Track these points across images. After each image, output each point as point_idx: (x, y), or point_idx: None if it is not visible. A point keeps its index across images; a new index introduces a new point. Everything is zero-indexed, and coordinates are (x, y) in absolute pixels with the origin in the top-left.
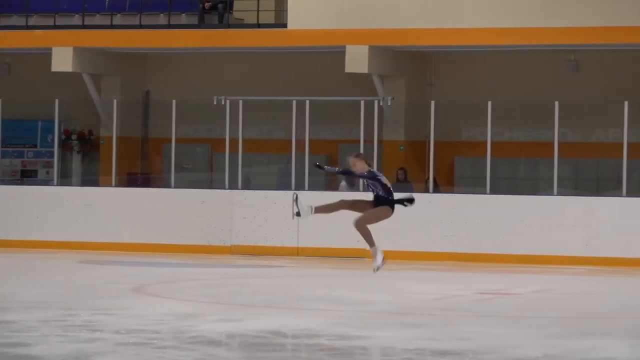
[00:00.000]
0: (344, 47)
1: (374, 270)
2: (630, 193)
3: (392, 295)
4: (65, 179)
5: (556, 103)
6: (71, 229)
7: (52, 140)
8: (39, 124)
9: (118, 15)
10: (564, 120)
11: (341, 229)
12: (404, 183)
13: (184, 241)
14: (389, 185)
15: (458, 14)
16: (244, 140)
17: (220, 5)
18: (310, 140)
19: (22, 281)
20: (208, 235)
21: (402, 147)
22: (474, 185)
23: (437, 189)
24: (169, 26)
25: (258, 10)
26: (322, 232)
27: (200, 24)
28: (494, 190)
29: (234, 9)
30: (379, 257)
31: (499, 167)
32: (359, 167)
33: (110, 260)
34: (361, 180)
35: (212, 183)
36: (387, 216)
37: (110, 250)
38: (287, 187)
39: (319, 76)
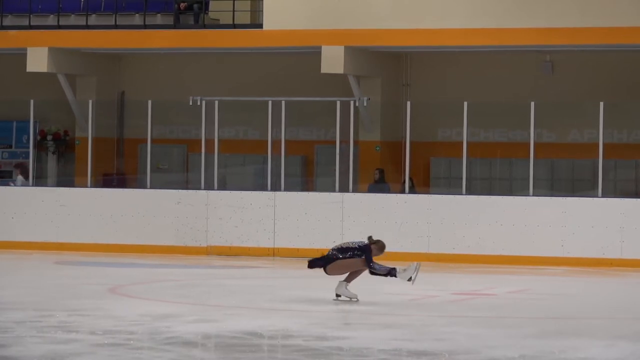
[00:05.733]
0: (320, 47)
1: (336, 293)
2: (606, 193)
3: (368, 296)
4: (40, 180)
5: (532, 104)
6: (46, 229)
7: (27, 140)
8: (14, 124)
9: (93, 15)
10: (539, 121)
11: (317, 230)
12: (380, 184)
13: (159, 242)
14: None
15: (434, 15)
16: (219, 141)
17: (195, 6)
18: (286, 141)
19: None
20: (184, 236)
21: (378, 148)
22: (450, 186)
23: (412, 190)
24: (145, 26)
25: (234, 11)
26: (298, 233)
27: (176, 25)
28: (470, 191)
29: (210, 9)
30: (349, 292)
31: (475, 167)
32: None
33: (85, 261)
34: None
35: (187, 184)
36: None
37: (86, 251)
38: (263, 187)
39: (294, 77)
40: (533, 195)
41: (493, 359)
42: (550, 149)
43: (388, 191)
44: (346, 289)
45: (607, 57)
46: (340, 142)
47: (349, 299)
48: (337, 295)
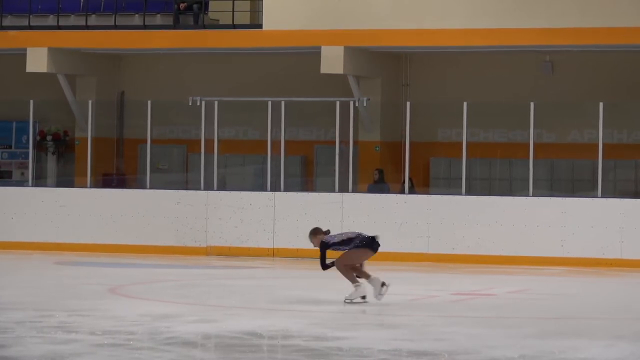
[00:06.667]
0: (320, 47)
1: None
2: (606, 194)
3: (367, 296)
4: (40, 180)
5: (531, 104)
6: (46, 230)
7: (27, 141)
8: (14, 124)
9: (93, 15)
10: (539, 121)
11: None
12: (380, 184)
13: (159, 242)
14: (344, 237)
15: (433, 15)
16: (219, 141)
17: (195, 6)
18: (285, 141)
19: None
20: (183, 236)
21: (378, 148)
22: (450, 186)
23: (412, 190)
24: (144, 27)
25: (233, 11)
26: (298, 233)
27: (176, 25)
28: (470, 191)
29: (210, 9)
30: (357, 293)
31: (475, 167)
32: (316, 243)
33: (85, 261)
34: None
35: (187, 184)
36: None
37: (86, 251)
38: (262, 188)
39: (294, 77)
40: (533, 196)
41: (493, 359)
42: (550, 149)
43: (387, 191)
44: (356, 291)
45: (607, 57)
46: (340, 142)
47: (362, 299)
48: (349, 300)
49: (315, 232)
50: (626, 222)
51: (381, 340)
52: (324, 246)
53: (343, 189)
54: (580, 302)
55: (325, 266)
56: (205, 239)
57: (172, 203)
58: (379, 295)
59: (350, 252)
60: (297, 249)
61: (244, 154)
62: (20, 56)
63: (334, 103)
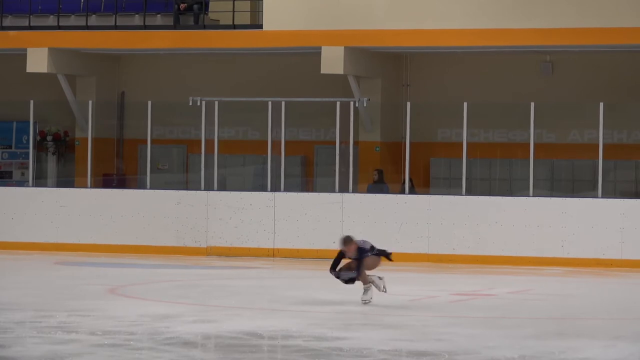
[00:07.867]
0: (320, 48)
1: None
2: (606, 194)
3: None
4: (40, 180)
5: (532, 104)
6: (46, 230)
7: (27, 141)
8: (14, 125)
9: (93, 16)
10: (539, 122)
11: (316, 230)
12: (379, 184)
13: (159, 242)
14: (372, 244)
15: (434, 15)
16: (219, 141)
17: (195, 6)
18: (286, 141)
19: None
20: (184, 237)
21: (378, 148)
22: (450, 186)
23: (412, 190)
24: (144, 27)
25: (233, 11)
26: (298, 233)
27: (176, 25)
28: (470, 191)
29: (210, 10)
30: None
31: (475, 168)
32: (352, 251)
33: (85, 261)
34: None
35: (187, 184)
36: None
37: (86, 251)
38: (262, 188)
39: (294, 77)
40: (533, 196)
41: (493, 359)
42: (550, 149)
43: (387, 192)
44: (368, 291)
45: (607, 58)
46: (340, 142)
47: (371, 295)
48: (368, 301)
49: (349, 241)
50: (626, 222)
51: (381, 340)
52: (362, 252)
53: (343, 189)
54: (580, 303)
55: (336, 272)
56: (206, 239)
57: (173, 203)
58: (383, 288)
59: (372, 259)
60: (297, 249)
61: (244, 154)
62: (20, 56)
63: (334, 103)
